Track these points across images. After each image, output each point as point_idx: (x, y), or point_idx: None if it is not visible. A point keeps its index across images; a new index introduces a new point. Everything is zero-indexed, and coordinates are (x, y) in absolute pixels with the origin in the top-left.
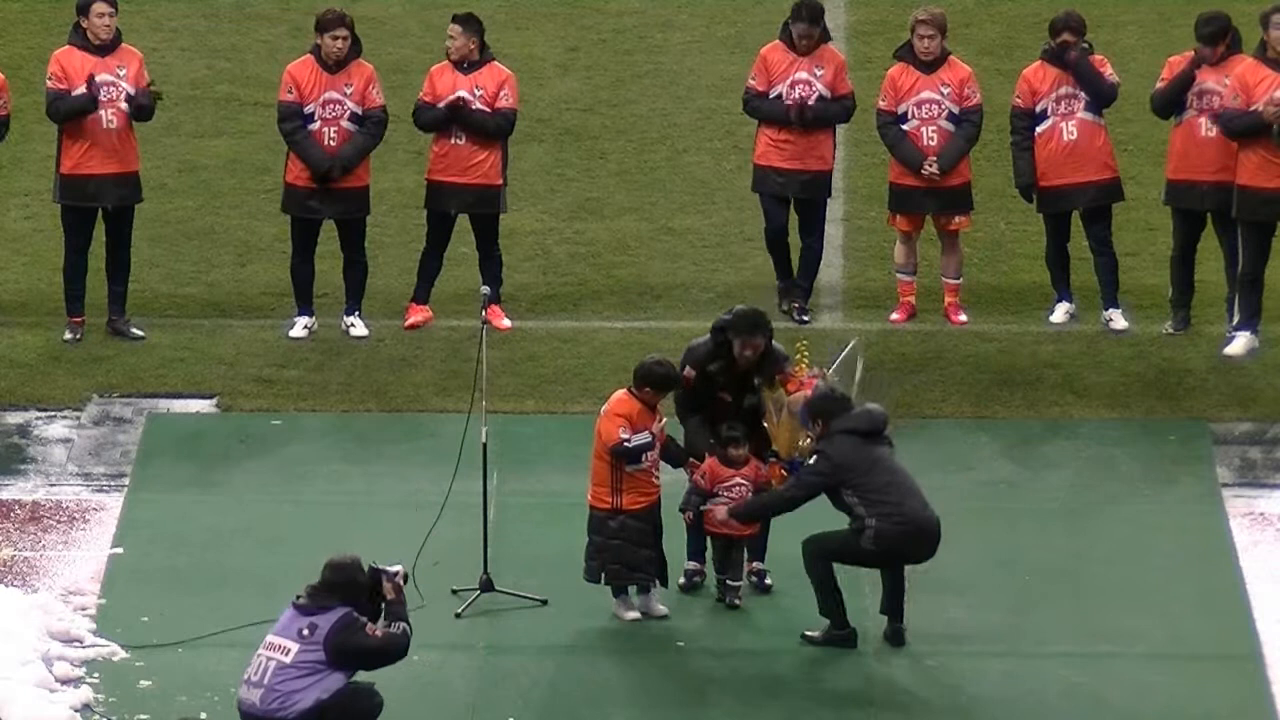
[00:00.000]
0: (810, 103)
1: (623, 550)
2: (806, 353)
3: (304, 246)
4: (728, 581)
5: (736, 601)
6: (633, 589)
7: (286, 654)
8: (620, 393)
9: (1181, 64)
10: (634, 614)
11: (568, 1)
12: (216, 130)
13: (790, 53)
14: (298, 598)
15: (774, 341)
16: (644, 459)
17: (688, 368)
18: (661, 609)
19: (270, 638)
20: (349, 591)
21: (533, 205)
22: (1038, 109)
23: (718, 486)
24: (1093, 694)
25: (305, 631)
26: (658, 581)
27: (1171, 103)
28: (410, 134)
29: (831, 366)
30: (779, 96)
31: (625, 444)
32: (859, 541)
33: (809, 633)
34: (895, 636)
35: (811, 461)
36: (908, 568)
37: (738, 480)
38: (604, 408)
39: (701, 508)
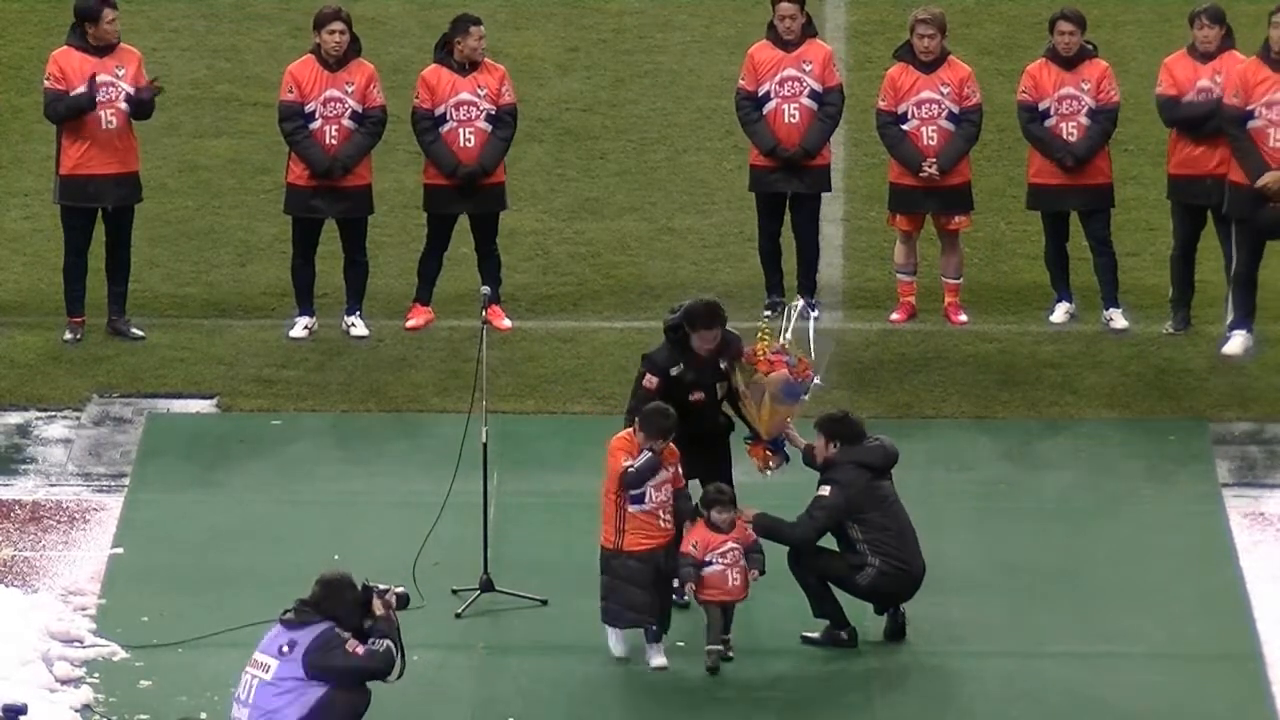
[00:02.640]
0: (797, 144)
1: (623, 590)
2: (768, 334)
3: (305, 247)
4: (723, 638)
5: (729, 655)
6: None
7: (267, 671)
8: (625, 431)
9: (1179, 65)
10: (623, 650)
11: (568, 1)
12: (216, 130)
13: (778, 50)
14: (284, 613)
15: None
16: (648, 499)
17: (648, 376)
18: (659, 661)
19: (255, 654)
20: (336, 608)
21: (533, 205)
22: (1041, 107)
23: (710, 554)
24: (1093, 694)
25: (285, 648)
26: (656, 628)
27: (1186, 124)
28: (410, 134)
29: (785, 334)
30: (767, 95)
31: (629, 469)
32: (853, 576)
33: (808, 634)
34: (897, 631)
35: (825, 492)
36: None
37: (730, 545)
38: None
39: (703, 572)
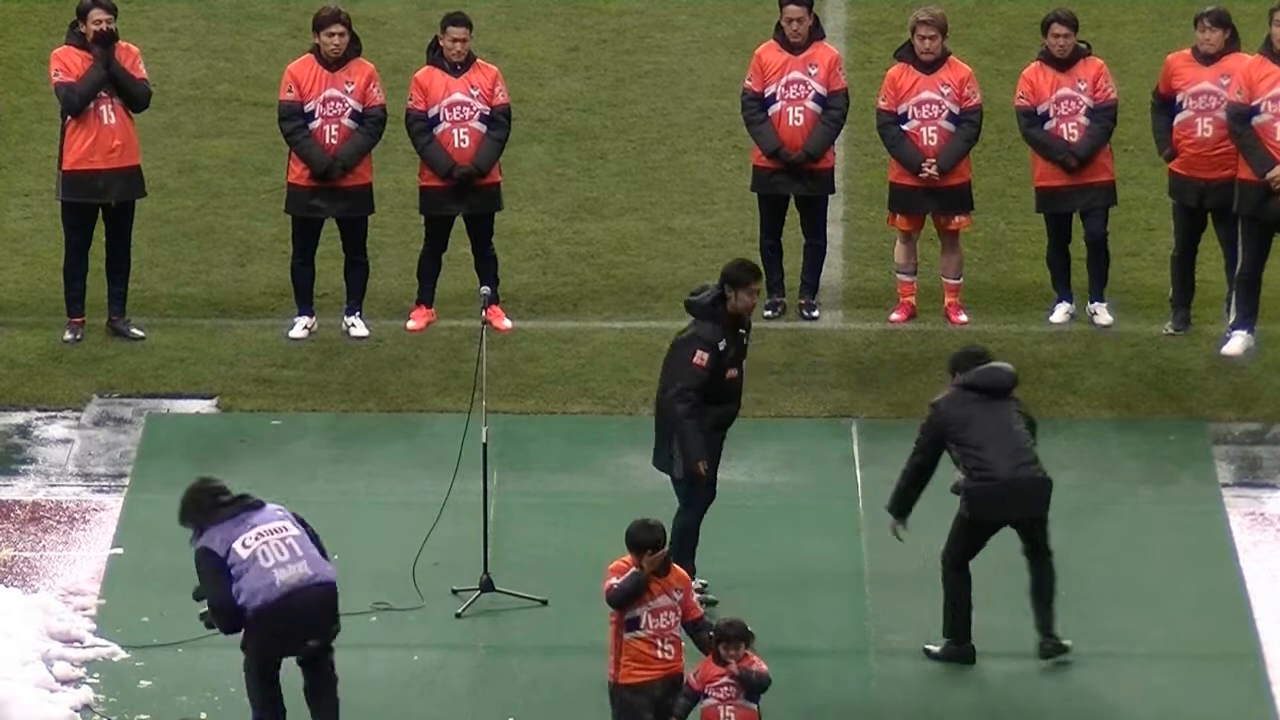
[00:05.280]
0: (800, 148)
1: None
2: None
3: (305, 247)
4: None
5: None
6: None
7: (294, 529)
8: (627, 555)
9: (1179, 62)
10: None
11: (568, 1)
12: (216, 130)
13: (784, 52)
14: (232, 500)
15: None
16: (644, 625)
17: (698, 353)
18: None
19: (262, 528)
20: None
21: (533, 205)
22: (1039, 110)
23: (707, 687)
24: (1093, 694)
25: (286, 516)
26: None
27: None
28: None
29: None
30: (773, 98)
31: (612, 586)
32: (960, 515)
33: (929, 647)
34: (1048, 650)
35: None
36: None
37: (725, 679)
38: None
39: (700, 705)
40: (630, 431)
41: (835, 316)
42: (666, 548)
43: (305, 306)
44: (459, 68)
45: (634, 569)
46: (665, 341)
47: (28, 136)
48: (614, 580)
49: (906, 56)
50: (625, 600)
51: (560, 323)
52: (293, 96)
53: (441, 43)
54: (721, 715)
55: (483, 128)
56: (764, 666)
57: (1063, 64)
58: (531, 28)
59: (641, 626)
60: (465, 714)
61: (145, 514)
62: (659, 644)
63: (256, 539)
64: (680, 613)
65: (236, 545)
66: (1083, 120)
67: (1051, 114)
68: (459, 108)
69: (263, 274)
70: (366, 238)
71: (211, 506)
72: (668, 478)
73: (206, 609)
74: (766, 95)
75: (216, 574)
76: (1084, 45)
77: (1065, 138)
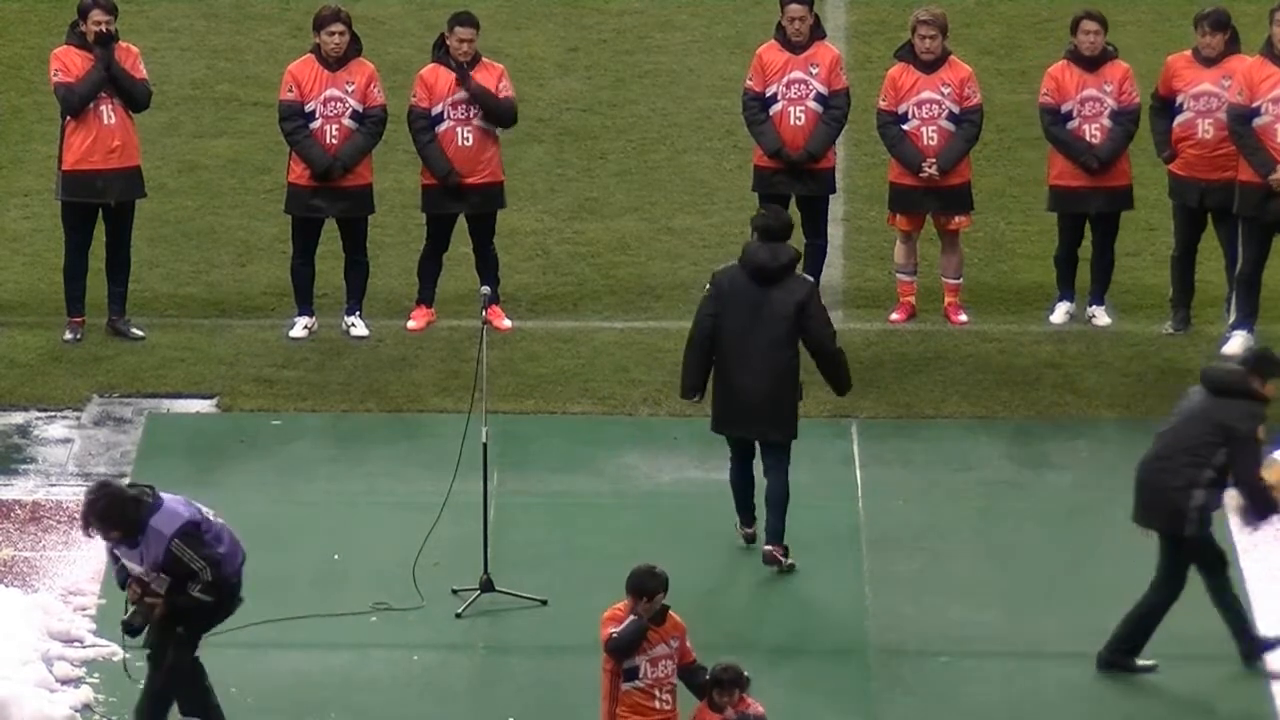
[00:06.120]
0: (801, 148)
1: None
2: None
3: (305, 248)
4: None
5: None
6: None
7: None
8: (620, 603)
9: (1180, 63)
10: None
11: (568, 1)
12: (216, 130)
13: (785, 51)
14: (143, 490)
15: None
16: (642, 674)
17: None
18: None
19: (205, 509)
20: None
21: (533, 205)
22: (1063, 109)
23: None
24: (1093, 694)
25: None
26: None
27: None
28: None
29: None
30: (774, 97)
31: (613, 635)
32: None
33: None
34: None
35: None
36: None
37: None
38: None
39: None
40: (630, 431)
41: (835, 316)
42: (665, 596)
43: (305, 306)
44: (465, 67)
45: (633, 616)
46: (665, 341)
47: (28, 136)
48: (612, 630)
49: (906, 56)
50: (627, 649)
51: (560, 323)
52: (293, 96)
53: (448, 42)
54: None
55: (487, 125)
56: (761, 709)
57: (1091, 64)
58: (531, 28)
59: (640, 676)
60: (465, 714)
61: None
62: (657, 694)
63: (208, 510)
64: (676, 659)
65: (208, 514)
66: (1106, 123)
67: (1075, 114)
68: (463, 106)
69: (263, 274)
70: (367, 238)
71: (139, 499)
72: (665, 477)
73: (143, 607)
74: (767, 95)
75: (205, 540)
76: (1111, 48)
77: (1088, 139)
